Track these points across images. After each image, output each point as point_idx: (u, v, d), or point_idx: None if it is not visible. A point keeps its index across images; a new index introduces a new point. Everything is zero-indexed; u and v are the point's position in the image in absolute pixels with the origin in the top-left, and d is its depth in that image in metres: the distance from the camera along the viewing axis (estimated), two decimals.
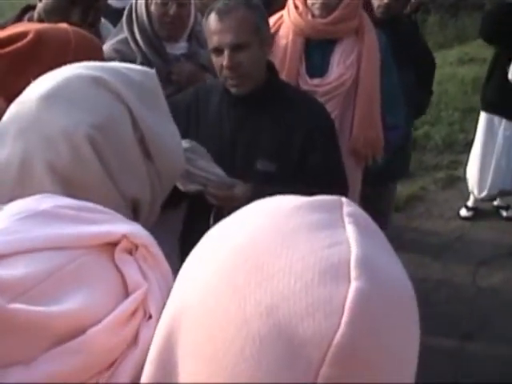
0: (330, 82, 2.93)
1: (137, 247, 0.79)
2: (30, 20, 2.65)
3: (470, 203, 5.25)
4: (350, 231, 0.57)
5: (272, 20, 2.98)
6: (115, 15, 3.26)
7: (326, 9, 2.91)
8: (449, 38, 9.90)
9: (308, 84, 2.94)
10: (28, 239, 0.70)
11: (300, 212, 0.60)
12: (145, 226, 1.06)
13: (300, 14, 2.97)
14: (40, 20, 2.59)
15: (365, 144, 3.01)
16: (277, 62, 2.80)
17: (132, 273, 0.76)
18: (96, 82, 0.97)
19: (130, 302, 0.74)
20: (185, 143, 2.10)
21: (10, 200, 0.85)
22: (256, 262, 0.56)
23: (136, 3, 2.86)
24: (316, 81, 2.94)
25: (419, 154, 6.09)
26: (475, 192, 5.09)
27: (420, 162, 5.99)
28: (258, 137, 2.36)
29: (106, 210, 0.82)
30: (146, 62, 2.80)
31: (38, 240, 0.71)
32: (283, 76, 2.81)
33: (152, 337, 0.68)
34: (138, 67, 1.10)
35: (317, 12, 2.93)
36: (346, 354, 0.51)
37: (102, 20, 3.37)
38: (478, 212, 5.24)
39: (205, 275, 0.59)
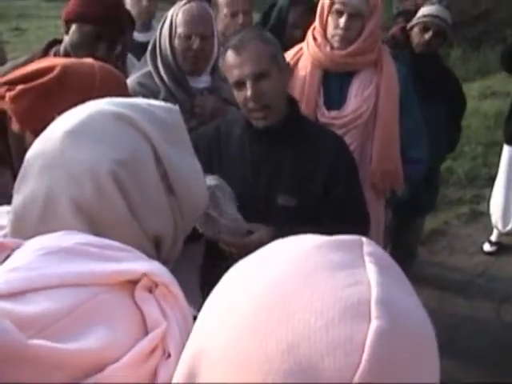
0: (347, 115, 2.93)
1: (157, 286, 0.79)
2: (57, 54, 2.69)
3: (493, 238, 5.19)
4: (371, 271, 0.58)
5: (291, 52, 3.01)
6: (139, 49, 3.32)
7: (345, 41, 2.92)
8: (471, 72, 9.89)
9: (325, 116, 2.94)
10: (49, 276, 0.71)
11: (320, 251, 0.60)
12: (167, 261, 1.06)
13: (319, 46, 2.98)
14: (66, 54, 2.63)
15: (383, 177, 3.00)
16: (295, 94, 2.82)
17: (152, 311, 0.77)
18: (120, 118, 0.98)
19: (148, 341, 0.74)
20: (212, 180, 2.11)
21: (33, 236, 0.86)
22: (277, 301, 0.56)
23: (160, 37, 2.90)
24: (333, 113, 2.95)
25: (442, 188, 6.02)
26: (499, 226, 5.04)
27: (443, 196, 5.95)
28: (280, 171, 2.37)
29: (128, 247, 0.83)
30: (169, 95, 2.83)
31: (58, 277, 0.71)
32: (301, 108, 2.82)
33: (171, 375, 0.68)
34: (162, 103, 1.11)
35: (336, 44, 2.94)
36: None
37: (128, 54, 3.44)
38: (501, 247, 5.17)
39: (225, 316, 0.60)
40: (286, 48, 2.94)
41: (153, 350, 0.74)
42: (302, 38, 3.12)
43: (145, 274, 0.78)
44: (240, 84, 2.30)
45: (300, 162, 2.37)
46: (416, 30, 3.86)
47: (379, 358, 0.52)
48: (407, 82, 3.09)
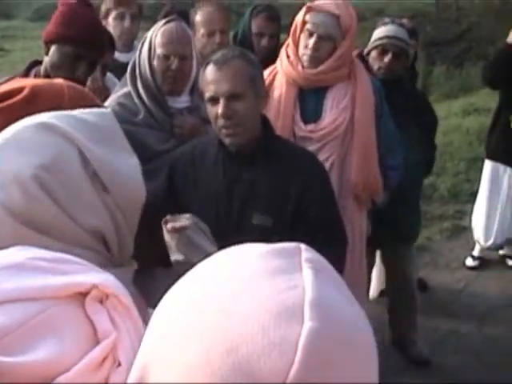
0: (324, 127, 2.97)
1: (107, 296, 0.81)
2: (37, 75, 2.72)
3: (475, 252, 5.22)
4: (307, 275, 0.61)
5: (267, 71, 3.03)
6: (121, 69, 3.35)
7: (314, 61, 2.97)
8: (455, 89, 9.98)
9: (303, 130, 2.98)
10: (0, 291, 0.73)
11: (261, 258, 0.63)
12: (121, 262, 1.12)
13: (291, 64, 3.02)
14: (46, 74, 2.66)
15: (364, 188, 3.04)
16: (272, 112, 2.87)
17: (102, 321, 0.79)
18: (43, 127, 1.07)
19: (99, 350, 0.76)
20: (189, 218, 2.14)
21: None
22: (217, 306, 0.59)
23: (139, 58, 2.93)
24: (310, 127, 2.98)
25: (425, 204, 6.09)
26: (481, 241, 5.07)
27: (425, 213, 5.98)
28: (254, 191, 2.39)
29: (82, 261, 0.85)
30: (149, 115, 2.86)
31: (9, 292, 0.74)
32: (279, 124, 2.87)
33: None
34: (96, 110, 1.19)
35: (305, 64, 2.99)
36: None
37: (108, 74, 3.47)
38: (483, 261, 5.21)
39: (166, 327, 0.63)
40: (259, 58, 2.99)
41: (104, 360, 0.76)
42: (270, 46, 3.32)
43: (95, 286, 0.79)
44: (214, 100, 2.33)
45: (274, 182, 2.39)
46: (373, 54, 3.56)
47: (312, 358, 0.55)
48: (381, 93, 3.13)
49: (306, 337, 0.55)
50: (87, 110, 1.15)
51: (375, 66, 3.53)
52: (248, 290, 0.60)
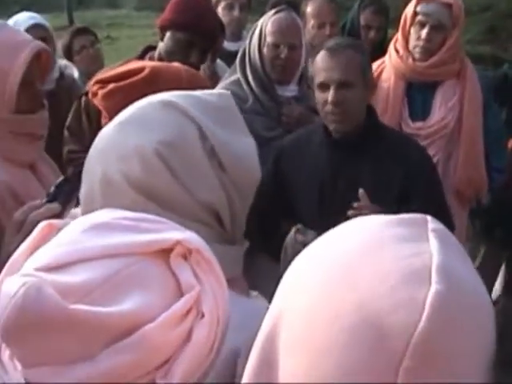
0: (432, 125, 2.95)
1: (191, 252, 0.85)
2: (151, 59, 2.81)
3: None
4: (433, 244, 0.64)
5: (374, 65, 3.02)
6: (229, 58, 3.41)
7: (427, 53, 2.94)
8: None
9: (410, 127, 2.97)
10: (89, 249, 0.80)
11: (387, 227, 0.67)
12: (234, 238, 1.17)
13: (401, 58, 3.01)
14: (160, 60, 2.74)
15: (469, 185, 3.00)
16: (380, 106, 2.86)
17: (186, 276, 0.83)
18: (166, 105, 1.12)
19: (183, 302, 0.80)
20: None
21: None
22: (346, 268, 0.64)
23: (249, 46, 2.98)
24: (418, 124, 2.97)
25: None
26: None
27: None
28: (358, 180, 2.39)
29: (164, 220, 0.89)
30: (257, 102, 2.91)
31: (97, 249, 0.80)
32: (386, 119, 2.86)
33: (205, 335, 0.78)
34: (215, 91, 1.26)
35: (417, 56, 2.97)
36: (425, 346, 0.58)
37: (218, 61, 3.54)
38: None
39: (301, 284, 0.67)
40: None
41: (187, 312, 0.81)
42: (377, 39, 3.33)
43: (178, 242, 0.83)
44: (324, 86, 2.36)
45: (378, 170, 2.40)
46: None
47: (438, 318, 0.58)
48: (488, 90, 3.08)
49: (433, 298, 0.58)
50: (207, 91, 1.21)
51: None
52: (375, 255, 0.63)
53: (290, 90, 3.00)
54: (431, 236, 0.65)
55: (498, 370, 0.63)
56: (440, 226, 0.68)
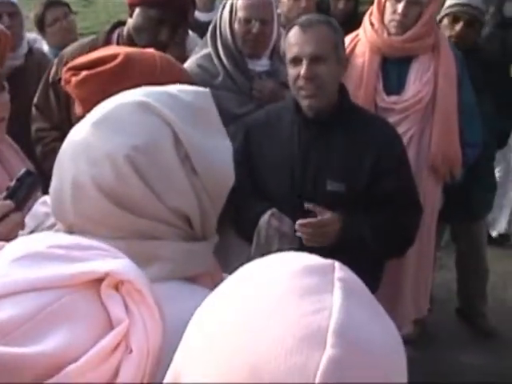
0: (406, 100, 2.95)
1: (122, 283, 0.81)
2: (120, 36, 2.75)
3: None
4: (337, 297, 0.60)
5: (348, 39, 3.00)
6: (200, 29, 3.36)
7: (402, 27, 2.93)
8: None
9: (385, 101, 2.97)
10: (15, 282, 0.74)
11: (293, 277, 0.63)
12: (205, 237, 1.16)
13: (376, 32, 2.99)
14: (129, 36, 2.69)
15: (443, 161, 3.00)
16: (354, 80, 2.86)
17: (116, 308, 0.78)
18: (140, 106, 1.09)
19: (111, 337, 0.76)
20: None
21: (74, 214, 1.04)
22: (245, 328, 0.61)
23: (220, 20, 2.93)
24: (393, 98, 2.97)
25: None
26: None
27: None
28: (329, 157, 2.39)
29: (102, 245, 0.85)
30: (228, 78, 2.87)
31: (24, 282, 0.74)
32: (361, 93, 2.86)
33: (132, 370, 0.74)
34: (192, 88, 1.20)
35: (393, 30, 2.96)
36: None
37: (191, 34, 3.48)
38: None
39: (198, 340, 0.65)
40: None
41: (116, 347, 0.76)
42: (347, 9, 3.39)
43: (107, 274, 0.79)
44: (296, 60, 2.34)
45: (350, 149, 2.40)
46: (445, 22, 3.51)
47: None
48: (463, 67, 3.07)
49: (326, 364, 0.55)
50: (184, 88, 1.16)
51: (446, 33, 3.40)
52: (276, 311, 0.60)
53: (262, 65, 2.97)
54: (336, 287, 0.62)
55: None
56: (347, 273, 0.65)
